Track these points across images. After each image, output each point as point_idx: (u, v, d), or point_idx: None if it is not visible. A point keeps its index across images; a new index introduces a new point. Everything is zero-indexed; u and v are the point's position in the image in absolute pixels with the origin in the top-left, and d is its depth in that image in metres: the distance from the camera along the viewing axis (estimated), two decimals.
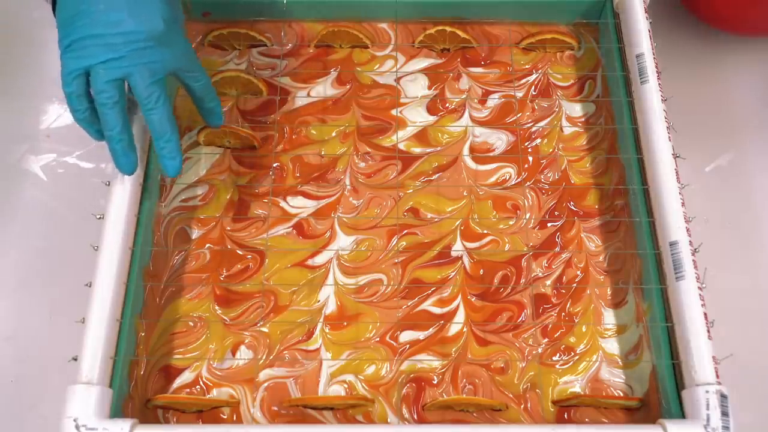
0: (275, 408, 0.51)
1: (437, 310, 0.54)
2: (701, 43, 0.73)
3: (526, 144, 0.60)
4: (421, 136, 0.61)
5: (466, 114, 0.62)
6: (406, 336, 0.53)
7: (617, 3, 0.61)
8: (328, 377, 0.52)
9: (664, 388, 0.49)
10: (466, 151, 0.60)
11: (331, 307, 0.54)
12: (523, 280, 0.55)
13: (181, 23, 0.50)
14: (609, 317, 0.54)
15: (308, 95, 0.62)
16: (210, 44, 0.64)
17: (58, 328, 0.59)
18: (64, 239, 0.62)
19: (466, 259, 0.56)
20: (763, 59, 0.72)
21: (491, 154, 0.60)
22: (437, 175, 0.59)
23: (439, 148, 0.60)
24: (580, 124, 0.61)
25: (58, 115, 0.70)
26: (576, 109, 0.62)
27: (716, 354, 0.47)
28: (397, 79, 0.63)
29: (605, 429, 0.48)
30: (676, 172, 0.53)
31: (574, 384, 0.52)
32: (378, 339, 0.53)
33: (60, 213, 0.64)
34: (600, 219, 0.57)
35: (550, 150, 0.60)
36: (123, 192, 0.52)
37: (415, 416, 0.51)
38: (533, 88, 0.63)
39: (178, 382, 0.52)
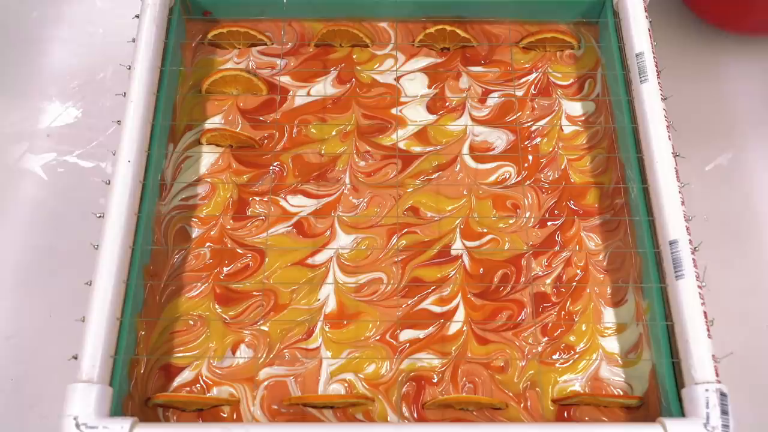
0: (275, 406, 0.51)
1: (437, 309, 0.54)
2: (701, 43, 0.73)
3: (525, 143, 0.60)
4: (421, 134, 0.61)
5: (466, 113, 0.62)
6: (406, 335, 0.53)
7: (617, 2, 0.61)
8: (328, 376, 0.52)
9: (663, 386, 0.49)
10: (465, 149, 0.60)
11: (331, 306, 0.54)
12: (522, 279, 0.55)
13: None
14: (609, 316, 0.54)
15: (308, 94, 0.62)
16: (210, 43, 0.64)
17: (58, 327, 0.59)
18: (64, 238, 0.63)
19: (465, 258, 0.56)
20: (763, 59, 0.72)
21: (491, 152, 0.60)
22: (437, 174, 0.59)
23: (438, 147, 0.60)
24: (579, 123, 0.61)
25: (58, 114, 0.70)
26: (576, 108, 0.62)
27: (716, 352, 0.47)
28: (397, 78, 0.63)
29: (605, 427, 0.48)
30: (676, 171, 0.53)
31: (574, 383, 0.52)
32: (378, 338, 0.53)
33: (60, 212, 0.64)
34: (600, 218, 0.57)
35: (550, 149, 0.60)
36: (123, 191, 0.52)
37: (415, 415, 0.51)
38: (533, 87, 0.63)
39: (178, 380, 0.52)
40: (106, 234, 0.50)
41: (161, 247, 0.55)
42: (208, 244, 0.56)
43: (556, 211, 0.58)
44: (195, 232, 0.57)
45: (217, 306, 0.54)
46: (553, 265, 0.56)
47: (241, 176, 0.59)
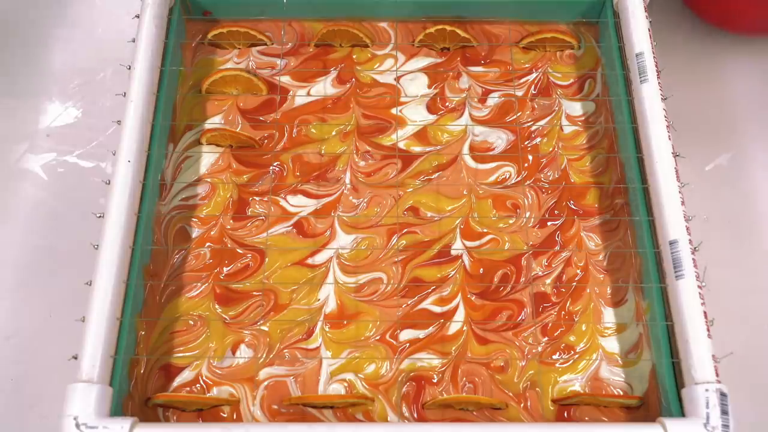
0: (275, 406, 0.51)
1: (437, 309, 0.54)
2: (701, 43, 0.73)
3: (525, 143, 0.60)
4: (421, 134, 0.61)
5: (466, 113, 0.62)
6: (406, 334, 0.53)
7: (617, 2, 0.61)
8: (328, 376, 0.52)
9: (663, 386, 0.49)
10: (465, 149, 0.60)
11: (331, 306, 0.54)
12: (522, 279, 0.55)
13: None
14: (609, 316, 0.54)
15: (308, 94, 0.62)
16: (210, 43, 0.64)
17: (58, 327, 0.59)
18: (64, 238, 0.63)
19: (465, 258, 0.56)
20: (763, 59, 0.72)
21: (491, 152, 0.60)
22: (437, 174, 0.59)
23: (438, 147, 0.60)
24: (579, 123, 0.61)
25: (58, 114, 0.70)
26: (576, 108, 0.62)
27: (716, 352, 0.47)
28: (397, 78, 0.63)
29: (605, 428, 0.48)
30: (676, 171, 0.53)
31: (574, 383, 0.52)
32: (378, 338, 0.53)
33: (60, 212, 0.64)
34: (600, 218, 0.57)
35: (550, 149, 0.60)
36: (123, 191, 0.52)
37: (415, 415, 0.51)
38: (533, 86, 0.63)
39: (178, 380, 0.52)
40: (106, 234, 0.50)
41: (161, 247, 0.55)
42: (208, 244, 0.56)
43: (556, 211, 0.58)
44: (195, 232, 0.57)
45: (217, 306, 0.54)
46: (553, 265, 0.56)
47: (241, 176, 0.59)
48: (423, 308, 0.54)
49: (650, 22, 0.59)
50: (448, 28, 0.63)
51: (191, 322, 0.53)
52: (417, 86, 0.63)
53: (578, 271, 0.55)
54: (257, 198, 0.58)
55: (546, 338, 0.53)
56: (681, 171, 0.53)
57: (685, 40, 0.73)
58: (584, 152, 0.60)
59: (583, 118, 0.62)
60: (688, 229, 0.51)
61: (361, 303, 0.54)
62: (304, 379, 0.52)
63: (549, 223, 0.57)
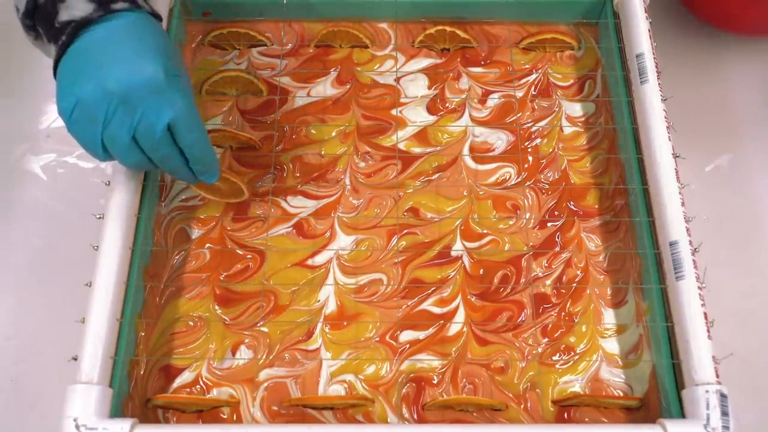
0: (275, 408, 0.51)
1: (437, 310, 0.54)
2: (701, 43, 0.73)
3: (526, 144, 0.60)
4: (421, 135, 0.61)
5: (466, 114, 0.62)
6: (406, 336, 0.53)
7: (617, 3, 0.61)
8: (328, 377, 0.52)
9: (664, 387, 0.49)
10: (466, 150, 0.60)
11: (331, 307, 0.54)
12: (523, 280, 0.55)
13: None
14: (609, 317, 0.54)
15: (308, 95, 0.62)
16: (210, 44, 0.64)
17: (58, 328, 0.59)
18: (64, 239, 0.62)
19: (466, 259, 0.56)
20: (763, 59, 0.72)
21: (491, 153, 0.60)
22: (437, 175, 0.59)
23: (439, 148, 0.60)
24: (580, 124, 0.61)
25: (58, 115, 0.70)
26: (576, 109, 0.62)
27: (716, 354, 0.47)
28: (397, 79, 0.63)
29: (605, 429, 0.48)
30: (676, 172, 0.53)
31: (574, 384, 0.52)
32: (378, 339, 0.53)
33: (60, 213, 0.64)
34: (600, 219, 0.57)
35: (550, 150, 0.60)
36: (123, 192, 0.52)
37: (415, 416, 0.51)
38: (533, 87, 0.63)
39: (178, 381, 0.51)
40: (106, 235, 0.50)
41: (161, 248, 0.55)
42: (208, 245, 0.56)
43: (556, 212, 0.58)
44: (195, 233, 0.56)
45: (217, 307, 0.54)
46: (554, 266, 0.56)
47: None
48: (423, 309, 0.54)
49: (650, 22, 0.59)
50: (448, 28, 0.63)
51: (191, 323, 0.53)
52: (417, 87, 0.63)
53: (578, 272, 0.55)
54: (257, 199, 0.58)
55: (546, 339, 0.53)
56: (681, 172, 0.53)
57: (685, 40, 0.73)
58: (584, 153, 0.60)
59: (583, 119, 0.62)
60: (688, 230, 0.51)
61: (361, 304, 0.54)
62: (304, 381, 0.52)
63: (549, 224, 0.57)
